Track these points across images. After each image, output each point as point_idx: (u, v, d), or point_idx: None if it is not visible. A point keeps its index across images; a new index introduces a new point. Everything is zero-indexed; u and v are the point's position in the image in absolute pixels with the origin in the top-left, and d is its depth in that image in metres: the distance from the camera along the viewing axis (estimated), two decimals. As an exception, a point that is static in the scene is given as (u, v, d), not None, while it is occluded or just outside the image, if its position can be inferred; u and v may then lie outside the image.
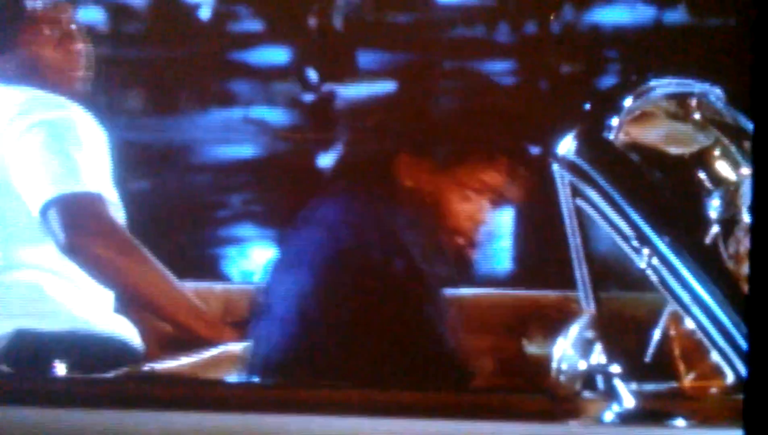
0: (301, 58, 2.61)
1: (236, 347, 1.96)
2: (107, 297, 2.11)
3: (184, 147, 2.67)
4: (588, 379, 1.73)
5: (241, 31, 2.78)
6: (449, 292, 1.95)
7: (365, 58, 2.58)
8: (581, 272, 1.85)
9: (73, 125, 2.07)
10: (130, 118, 2.75)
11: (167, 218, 2.55)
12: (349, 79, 2.61)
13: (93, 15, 2.72)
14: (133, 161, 2.50)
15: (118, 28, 2.74)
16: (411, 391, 1.73)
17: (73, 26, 2.22)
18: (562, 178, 1.88)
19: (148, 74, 2.66)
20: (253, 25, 2.80)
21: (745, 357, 1.63)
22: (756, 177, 1.67)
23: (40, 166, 2.03)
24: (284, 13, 2.71)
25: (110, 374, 1.91)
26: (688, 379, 1.80)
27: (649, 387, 1.80)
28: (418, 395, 1.74)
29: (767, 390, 1.53)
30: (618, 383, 1.74)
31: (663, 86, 2.03)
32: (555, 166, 1.90)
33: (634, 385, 1.76)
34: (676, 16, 2.64)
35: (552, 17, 2.47)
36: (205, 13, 2.74)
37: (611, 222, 1.83)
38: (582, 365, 1.72)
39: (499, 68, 2.63)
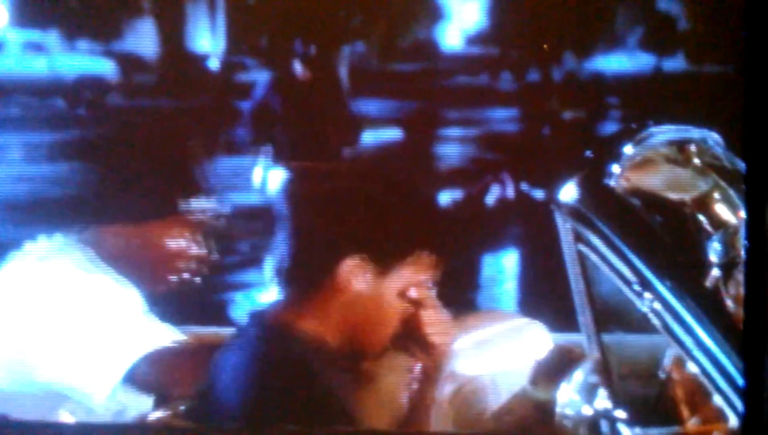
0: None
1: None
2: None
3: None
4: (592, 424, 1.73)
5: (248, 81, 2.82)
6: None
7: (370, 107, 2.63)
8: (584, 317, 1.87)
9: None
10: (140, 164, 2.78)
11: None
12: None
13: (105, 66, 2.77)
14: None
15: (129, 79, 2.79)
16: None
17: None
18: (564, 224, 1.90)
19: (158, 123, 2.70)
20: (261, 75, 2.84)
21: (743, 393, 1.65)
22: (749, 215, 1.69)
23: None
24: (290, 63, 2.76)
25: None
26: (691, 423, 1.81)
27: (653, 432, 1.81)
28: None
29: (765, 427, 1.54)
30: (622, 428, 1.74)
31: (662, 133, 2.06)
32: (557, 213, 1.92)
33: (638, 430, 1.76)
34: (674, 63, 2.68)
35: (553, 66, 2.51)
36: (214, 64, 2.79)
37: (613, 267, 1.85)
38: (586, 410, 1.73)
39: (501, 116, 2.66)
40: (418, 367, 1.86)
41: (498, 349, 1.97)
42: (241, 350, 1.82)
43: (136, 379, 1.99)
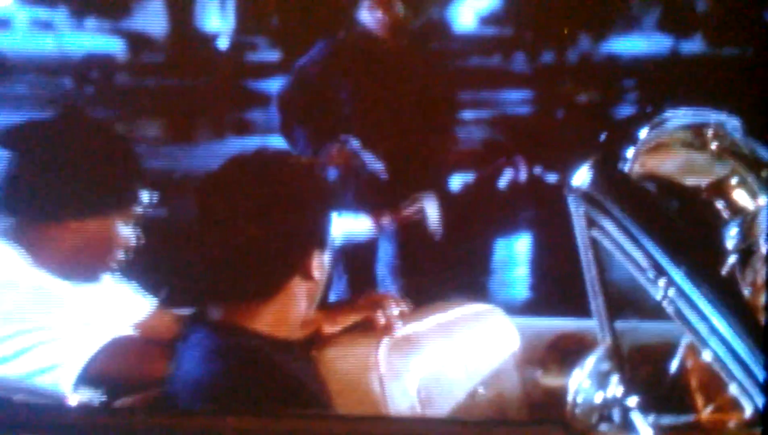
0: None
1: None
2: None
3: (201, 175, 2.68)
4: (604, 411, 1.72)
5: (258, 61, 2.80)
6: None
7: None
8: (597, 303, 1.84)
9: None
10: (149, 145, 2.77)
11: (183, 244, 2.56)
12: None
13: (113, 45, 2.75)
14: (152, 188, 2.51)
15: (138, 58, 2.77)
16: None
17: None
18: (577, 208, 1.88)
19: (166, 103, 2.68)
20: (271, 55, 2.82)
21: (763, 387, 1.62)
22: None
23: None
24: (300, 44, 2.74)
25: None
26: (706, 412, 1.78)
27: (667, 420, 1.78)
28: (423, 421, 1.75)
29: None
30: (635, 416, 1.72)
31: (679, 116, 2.03)
32: (570, 197, 1.89)
33: (651, 418, 1.74)
34: (692, 46, 2.65)
35: (568, 47, 2.48)
36: (223, 43, 2.77)
37: (627, 253, 1.82)
38: (598, 397, 1.71)
39: (515, 98, 2.63)
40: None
41: (459, 334, 1.97)
42: (196, 347, 1.79)
43: (95, 372, 1.97)
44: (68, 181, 1.98)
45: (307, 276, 1.79)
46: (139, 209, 2.06)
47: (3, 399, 1.88)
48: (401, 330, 1.95)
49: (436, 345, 1.96)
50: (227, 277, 1.80)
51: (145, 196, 2.06)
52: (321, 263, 1.81)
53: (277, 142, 2.66)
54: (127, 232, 2.06)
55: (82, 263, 2.06)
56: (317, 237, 1.80)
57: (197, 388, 1.76)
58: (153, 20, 2.69)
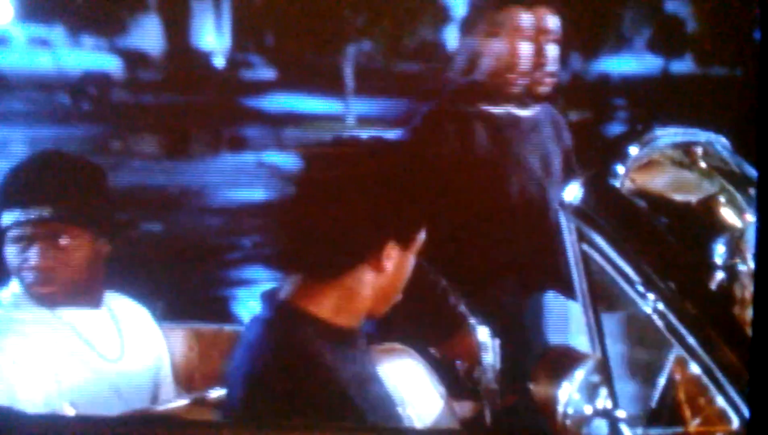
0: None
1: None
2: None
3: (196, 190, 2.70)
4: (593, 423, 1.72)
5: (254, 78, 2.82)
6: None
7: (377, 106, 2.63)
8: (587, 316, 1.86)
9: None
10: (145, 161, 2.79)
11: (179, 260, 2.57)
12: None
13: (110, 62, 2.77)
14: (147, 204, 2.53)
15: (134, 75, 2.79)
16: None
17: None
18: (568, 223, 1.89)
19: (162, 120, 2.70)
20: (266, 73, 2.85)
21: (749, 400, 1.63)
22: (759, 223, 1.69)
23: None
24: (296, 62, 2.76)
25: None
26: (693, 425, 1.79)
27: (655, 432, 1.79)
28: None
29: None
30: (623, 428, 1.73)
31: (669, 135, 2.05)
32: (561, 212, 1.91)
33: (639, 430, 1.75)
34: (682, 66, 2.67)
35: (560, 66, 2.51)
36: (219, 62, 2.79)
37: (617, 267, 1.84)
38: (588, 410, 1.72)
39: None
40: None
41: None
42: (250, 341, 1.80)
43: None
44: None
45: (378, 267, 1.79)
46: (116, 229, 2.10)
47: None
48: None
49: None
50: (301, 254, 1.82)
51: (120, 216, 2.10)
52: (397, 259, 1.81)
53: (271, 158, 2.68)
54: (109, 250, 2.09)
55: (78, 289, 2.09)
56: (394, 229, 1.80)
57: (245, 380, 1.76)
58: (149, 38, 2.71)
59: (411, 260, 1.86)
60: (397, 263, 1.82)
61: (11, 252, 2.07)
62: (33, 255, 2.05)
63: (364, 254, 1.79)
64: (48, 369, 2.03)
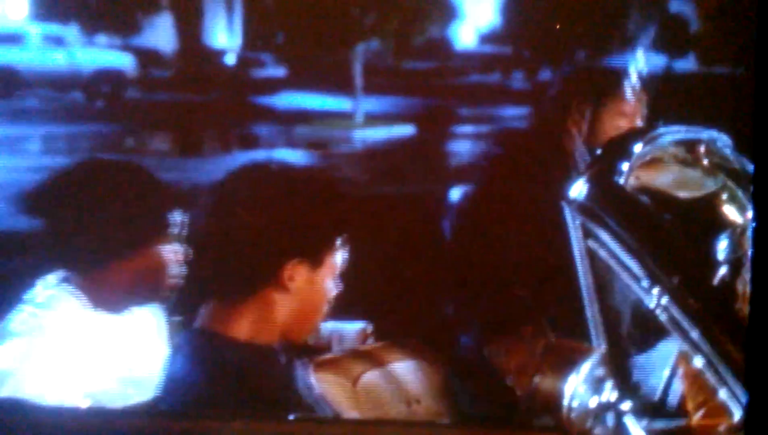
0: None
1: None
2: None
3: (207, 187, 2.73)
4: (599, 416, 1.75)
5: (265, 76, 2.85)
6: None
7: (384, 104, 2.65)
8: (592, 311, 1.88)
9: None
10: (157, 158, 2.81)
11: (192, 256, 2.60)
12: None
13: (124, 60, 2.80)
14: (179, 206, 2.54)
15: (147, 73, 2.82)
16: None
17: None
18: (573, 220, 1.92)
19: (175, 117, 2.72)
20: (277, 71, 2.87)
21: (745, 393, 1.66)
22: (757, 219, 1.71)
23: None
24: (306, 61, 2.78)
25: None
26: (696, 417, 1.82)
27: (659, 424, 1.82)
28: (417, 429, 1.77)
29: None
30: (628, 420, 1.76)
31: (672, 133, 2.07)
32: (567, 208, 1.93)
33: (644, 423, 1.78)
34: (685, 65, 2.69)
35: (565, 65, 2.53)
36: (230, 60, 2.82)
37: (622, 262, 1.87)
38: (593, 402, 1.74)
39: (513, 114, 2.68)
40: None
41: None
42: (183, 358, 1.82)
43: None
44: (102, 227, 2.00)
45: (282, 288, 1.78)
46: (175, 229, 2.06)
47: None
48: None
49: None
50: (212, 278, 1.82)
51: (176, 215, 2.09)
52: (305, 278, 1.79)
53: (281, 154, 2.71)
54: (171, 253, 2.06)
55: (139, 296, 2.07)
56: (298, 248, 1.79)
57: (181, 391, 1.78)
58: (162, 37, 2.73)
59: (327, 279, 1.83)
60: (305, 282, 1.79)
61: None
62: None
63: (265, 275, 1.78)
64: (121, 366, 2.04)
